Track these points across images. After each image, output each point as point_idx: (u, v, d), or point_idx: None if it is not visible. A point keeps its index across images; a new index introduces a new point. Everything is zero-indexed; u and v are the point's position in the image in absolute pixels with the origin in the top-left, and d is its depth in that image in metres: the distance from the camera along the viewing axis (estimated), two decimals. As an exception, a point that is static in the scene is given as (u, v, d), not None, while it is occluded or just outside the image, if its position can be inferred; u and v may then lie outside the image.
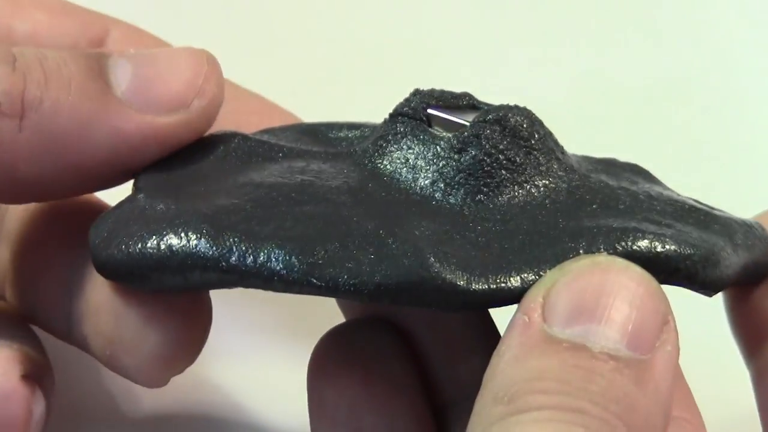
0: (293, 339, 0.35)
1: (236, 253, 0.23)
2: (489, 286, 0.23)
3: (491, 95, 0.27)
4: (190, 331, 0.26)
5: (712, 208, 0.27)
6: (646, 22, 0.48)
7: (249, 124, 0.31)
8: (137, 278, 0.24)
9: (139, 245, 0.24)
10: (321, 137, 0.28)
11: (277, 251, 0.23)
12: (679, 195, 0.27)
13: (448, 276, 0.23)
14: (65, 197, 0.27)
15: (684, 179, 0.29)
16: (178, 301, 0.26)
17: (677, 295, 0.24)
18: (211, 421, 0.33)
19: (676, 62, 0.46)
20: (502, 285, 0.23)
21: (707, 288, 0.24)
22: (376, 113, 0.27)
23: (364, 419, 0.27)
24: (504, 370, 0.21)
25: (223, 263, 0.23)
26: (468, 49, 0.46)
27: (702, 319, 0.29)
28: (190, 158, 0.26)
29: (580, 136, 0.29)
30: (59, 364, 0.31)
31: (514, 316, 0.22)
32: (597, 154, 0.28)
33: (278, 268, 0.22)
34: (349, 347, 0.28)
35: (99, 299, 0.26)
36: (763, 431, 0.27)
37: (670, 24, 0.48)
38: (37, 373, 0.27)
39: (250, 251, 0.23)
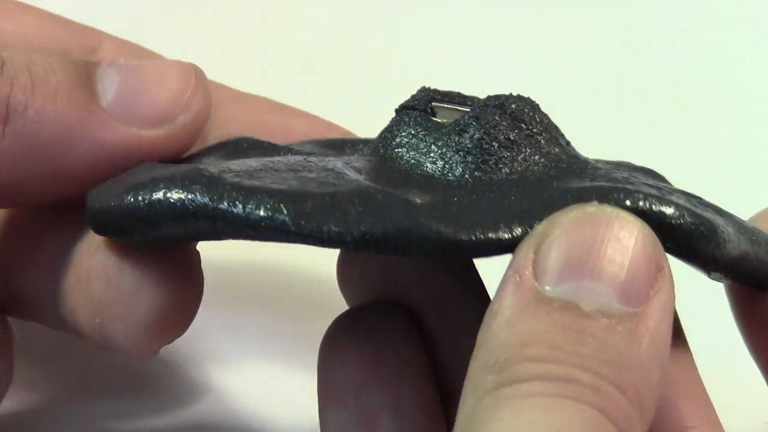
0: (293, 340, 0.35)
1: (226, 200, 0.23)
2: (476, 236, 0.22)
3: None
4: (182, 297, 0.26)
5: None
6: (647, 24, 0.48)
7: (264, 123, 0.32)
8: (127, 227, 0.24)
9: (132, 193, 0.24)
10: (335, 148, 0.28)
11: (266, 199, 0.23)
12: None
13: (434, 225, 0.22)
14: (45, 204, 0.27)
15: (687, 178, 0.29)
16: (170, 267, 0.26)
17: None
18: (211, 422, 0.33)
19: (679, 62, 0.46)
20: (491, 235, 0.22)
21: (705, 260, 0.23)
22: (379, 118, 0.27)
23: (371, 400, 0.27)
24: (496, 333, 0.21)
25: (212, 209, 0.23)
26: (471, 53, 0.47)
27: (722, 326, 0.28)
28: (197, 156, 0.26)
29: (586, 136, 0.28)
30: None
31: (506, 273, 0.22)
32: (602, 154, 0.28)
33: (266, 215, 0.23)
34: (360, 329, 0.28)
35: (90, 265, 0.26)
36: None
37: (671, 24, 0.48)
38: None
39: (240, 198, 0.23)
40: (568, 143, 0.26)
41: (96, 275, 0.26)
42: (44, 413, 0.32)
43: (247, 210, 0.23)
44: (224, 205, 0.23)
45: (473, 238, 0.22)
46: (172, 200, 0.23)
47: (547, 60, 0.46)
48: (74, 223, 0.26)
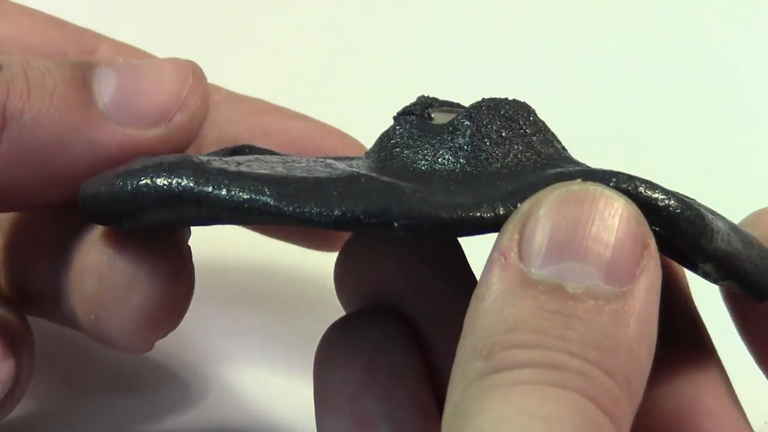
0: (292, 342, 0.35)
1: (212, 184, 0.23)
2: (458, 214, 0.22)
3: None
4: (173, 293, 0.26)
5: None
6: (645, 28, 0.48)
7: (260, 124, 0.32)
8: (115, 212, 0.24)
9: (121, 179, 0.24)
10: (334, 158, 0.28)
11: (250, 182, 0.23)
12: None
13: (415, 204, 0.22)
14: (42, 208, 0.27)
15: (683, 183, 0.29)
16: (162, 264, 0.26)
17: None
18: (209, 423, 0.33)
19: (675, 68, 0.46)
20: (472, 214, 0.22)
21: (690, 247, 0.23)
22: (376, 123, 0.28)
23: (367, 407, 0.26)
24: (482, 318, 0.21)
25: (197, 193, 0.23)
26: (469, 59, 0.47)
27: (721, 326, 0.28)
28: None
29: (581, 144, 0.28)
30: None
31: (491, 254, 0.22)
32: (598, 160, 0.28)
33: (249, 197, 0.23)
34: (355, 336, 0.27)
35: (84, 263, 0.26)
36: None
37: (669, 28, 0.48)
38: (6, 332, 0.27)
39: (225, 182, 0.23)
40: (563, 148, 0.26)
41: (89, 273, 0.26)
42: (41, 412, 0.32)
43: (231, 193, 0.23)
44: (209, 189, 0.23)
45: (455, 215, 0.22)
46: (159, 184, 0.23)
47: (546, 67, 0.47)
48: (74, 222, 0.26)
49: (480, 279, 0.22)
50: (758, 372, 0.27)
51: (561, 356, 0.20)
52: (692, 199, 0.25)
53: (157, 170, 0.24)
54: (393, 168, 0.25)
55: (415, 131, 0.26)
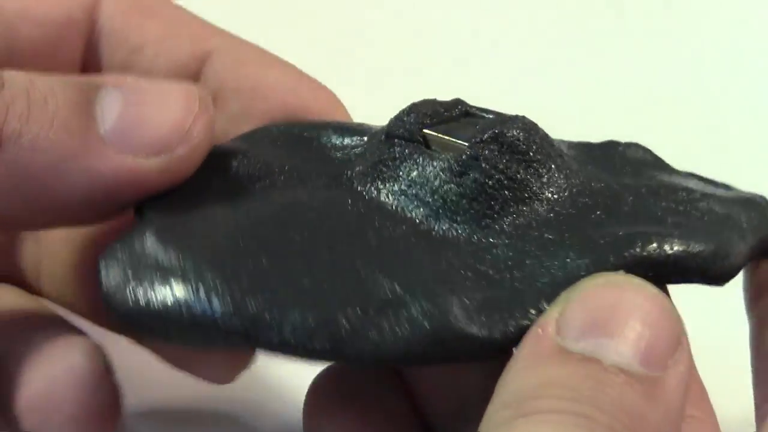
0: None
1: (261, 325, 0.22)
2: (509, 330, 0.23)
3: (485, 97, 0.27)
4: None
5: (716, 185, 0.27)
6: (642, 25, 0.47)
7: (251, 77, 0.31)
8: (157, 333, 0.23)
9: (159, 302, 0.22)
10: (315, 146, 0.28)
11: (300, 324, 0.22)
12: (681, 175, 0.27)
13: (468, 330, 0.22)
14: (36, 230, 0.27)
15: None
16: None
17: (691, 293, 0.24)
18: (216, 419, 0.33)
19: (675, 64, 0.46)
20: (523, 323, 0.23)
21: (719, 280, 0.24)
22: (372, 110, 0.27)
23: None
24: (515, 377, 0.22)
25: (248, 332, 0.22)
26: (462, 50, 0.46)
27: (719, 318, 0.29)
28: (195, 187, 0.25)
29: (576, 134, 0.28)
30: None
31: (530, 330, 0.22)
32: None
33: (303, 342, 0.22)
34: (346, 383, 0.28)
35: None
36: (754, 382, 0.27)
37: (668, 26, 0.47)
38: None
39: (274, 323, 0.22)
40: (561, 155, 0.26)
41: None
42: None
43: (284, 336, 0.22)
44: (259, 332, 0.22)
45: (507, 332, 0.23)
46: (202, 321, 0.22)
47: (533, 55, 0.46)
48: None
49: (516, 350, 0.22)
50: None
51: (591, 409, 0.20)
52: (694, 187, 0.26)
53: (192, 295, 0.22)
54: (405, 218, 0.25)
55: (415, 167, 0.25)
